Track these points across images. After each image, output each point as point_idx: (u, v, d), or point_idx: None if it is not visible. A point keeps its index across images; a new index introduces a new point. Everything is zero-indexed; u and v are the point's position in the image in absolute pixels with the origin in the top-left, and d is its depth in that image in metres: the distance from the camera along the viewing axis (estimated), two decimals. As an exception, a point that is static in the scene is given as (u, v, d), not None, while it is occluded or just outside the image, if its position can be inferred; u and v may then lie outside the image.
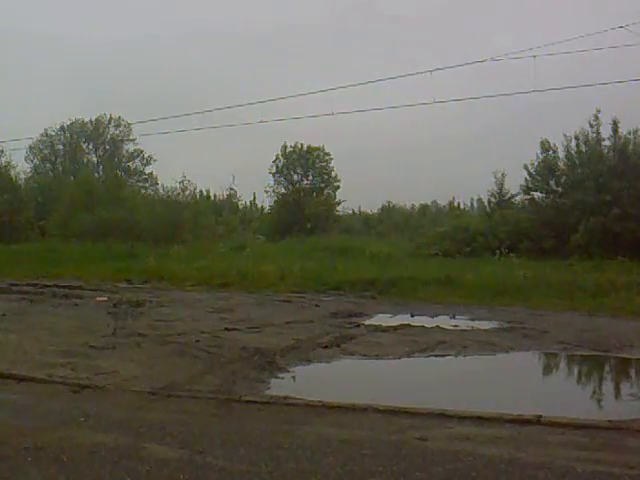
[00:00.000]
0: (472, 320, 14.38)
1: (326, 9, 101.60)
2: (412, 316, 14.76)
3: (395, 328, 13.01)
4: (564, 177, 32.12)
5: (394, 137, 78.23)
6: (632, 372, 10.60)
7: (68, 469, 5.40)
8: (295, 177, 52.72)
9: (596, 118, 31.18)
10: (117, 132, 78.46)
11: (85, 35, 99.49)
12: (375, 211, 58.83)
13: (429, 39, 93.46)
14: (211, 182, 76.19)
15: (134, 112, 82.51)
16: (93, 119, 77.71)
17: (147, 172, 72.30)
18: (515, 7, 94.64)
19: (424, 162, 78.46)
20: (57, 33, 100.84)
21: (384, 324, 13.56)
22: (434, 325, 13.47)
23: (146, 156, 73.52)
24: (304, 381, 9.18)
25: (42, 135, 75.61)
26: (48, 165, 77.18)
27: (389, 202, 58.94)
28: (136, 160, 75.32)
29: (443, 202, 59.72)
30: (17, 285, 21.17)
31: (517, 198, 35.36)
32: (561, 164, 32.29)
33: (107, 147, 78.98)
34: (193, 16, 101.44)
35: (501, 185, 35.74)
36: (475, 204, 52.37)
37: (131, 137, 73.61)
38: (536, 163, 32.53)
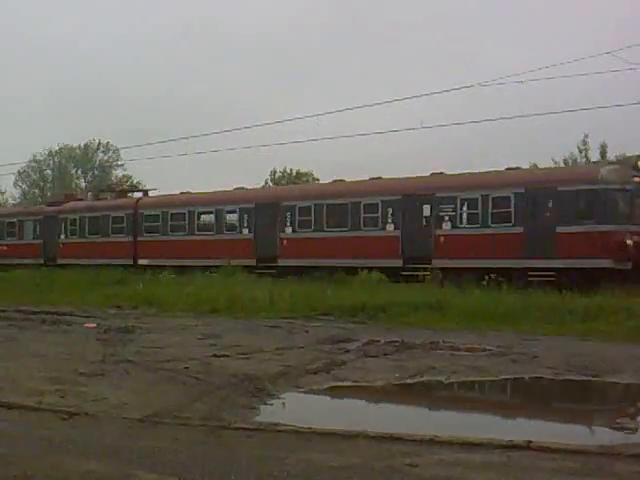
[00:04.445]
0: (462, 345, 14.37)
1: (316, 30, 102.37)
2: (402, 342, 14.73)
3: (385, 354, 13.01)
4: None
5: (383, 161, 78.53)
6: (622, 397, 10.62)
7: (57, 498, 5.36)
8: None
9: (584, 142, 31.40)
10: (106, 157, 78.55)
11: (76, 59, 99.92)
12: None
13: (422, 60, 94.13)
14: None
15: (123, 138, 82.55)
16: (82, 144, 77.73)
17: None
18: (505, 31, 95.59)
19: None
20: (46, 57, 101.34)
21: (374, 350, 13.55)
22: (424, 351, 13.48)
23: (135, 182, 73.59)
24: (294, 408, 9.17)
25: (30, 160, 75.64)
26: (37, 191, 77.12)
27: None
28: (125, 185, 75.39)
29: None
30: (5, 311, 21.06)
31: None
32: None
33: (96, 172, 78.98)
34: (182, 41, 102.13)
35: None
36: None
37: (120, 162, 73.77)
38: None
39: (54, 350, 13.29)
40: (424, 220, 26.70)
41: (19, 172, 74.90)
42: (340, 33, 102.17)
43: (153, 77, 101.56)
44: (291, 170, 53.80)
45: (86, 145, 77.05)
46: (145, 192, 40.05)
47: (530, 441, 6.70)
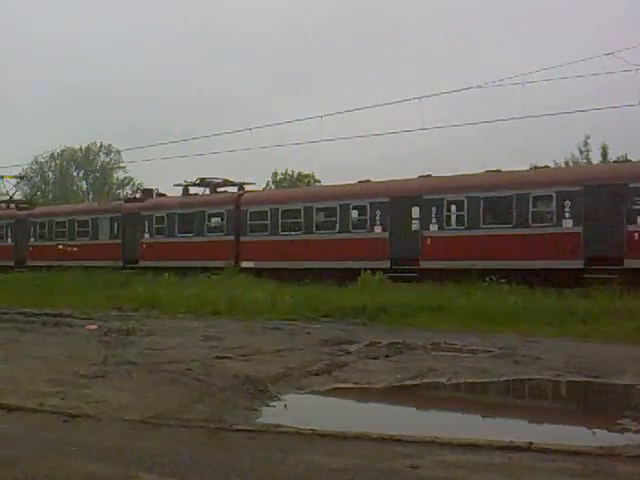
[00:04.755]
0: (463, 347, 14.38)
1: (316, 30, 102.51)
2: (403, 343, 14.73)
3: (386, 355, 13.01)
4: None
5: (383, 162, 78.71)
6: (623, 398, 10.61)
7: (58, 499, 5.37)
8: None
9: (585, 144, 31.40)
10: (107, 159, 78.59)
11: (77, 62, 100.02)
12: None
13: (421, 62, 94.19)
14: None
15: (123, 139, 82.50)
16: (83, 147, 77.75)
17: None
18: (506, 32, 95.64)
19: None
20: (46, 58, 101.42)
21: (375, 351, 13.55)
22: (425, 352, 13.49)
23: (136, 183, 73.68)
24: (295, 409, 9.16)
25: (32, 163, 75.68)
26: (38, 193, 77.11)
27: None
28: (126, 187, 75.50)
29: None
30: (7, 313, 21.09)
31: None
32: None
33: (97, 174, 78.97)
34: (181, 43, 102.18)
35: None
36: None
37: (121, 164, 73.78)
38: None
39: (55, 352, 13.30)
40: (615, 215, 23.23)
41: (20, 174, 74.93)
42: (340, 33, 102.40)
43: (153, 77, 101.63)
44: (292, 172, 53.92)
45: (87, 147, 77.14)
46: (241, 186, 36.20)
47: (531, 442, 6.71)
